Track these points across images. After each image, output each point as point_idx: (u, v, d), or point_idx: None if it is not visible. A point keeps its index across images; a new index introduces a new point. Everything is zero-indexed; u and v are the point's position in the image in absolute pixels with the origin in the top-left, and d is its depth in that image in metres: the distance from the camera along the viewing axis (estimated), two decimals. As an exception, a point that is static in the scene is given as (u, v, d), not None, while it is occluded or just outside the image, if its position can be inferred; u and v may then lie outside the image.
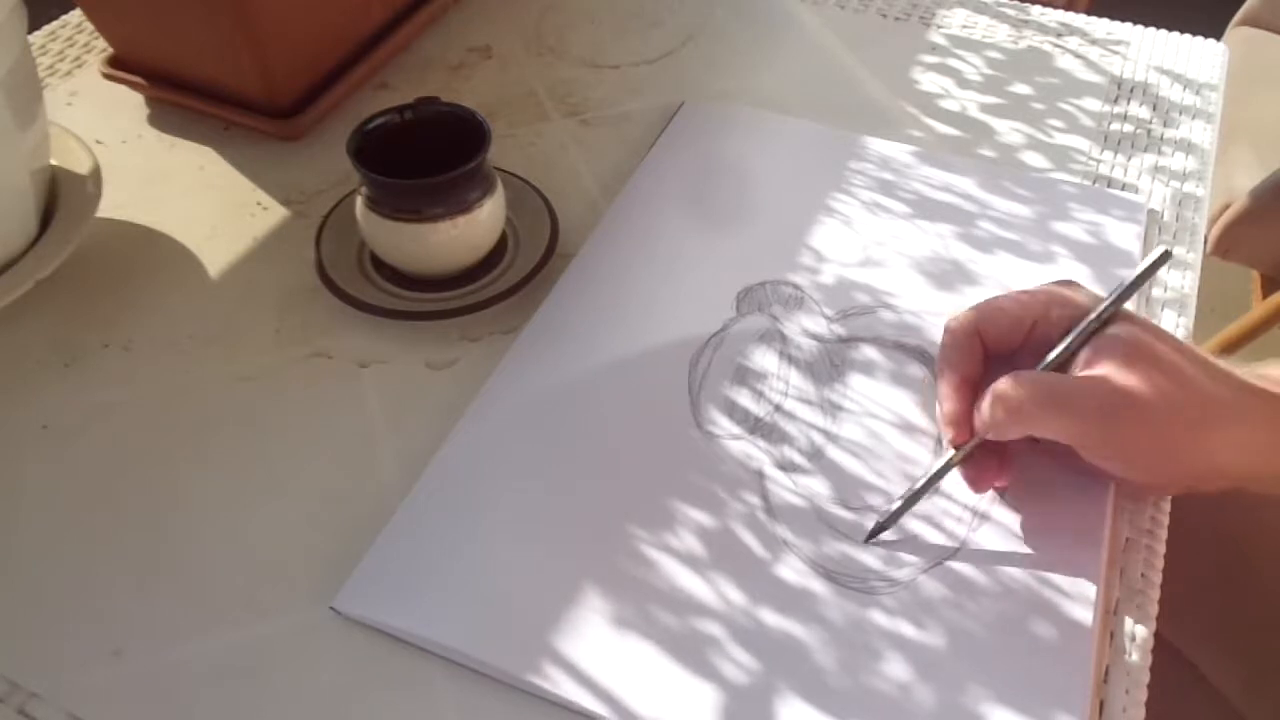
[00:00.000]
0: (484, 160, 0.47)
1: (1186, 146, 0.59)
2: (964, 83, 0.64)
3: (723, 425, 0.44)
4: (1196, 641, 0.60)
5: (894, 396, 0.45)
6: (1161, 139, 0.60)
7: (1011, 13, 0.70)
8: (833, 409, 0.44)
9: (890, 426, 0.44)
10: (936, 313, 0.48)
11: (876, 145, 0.58)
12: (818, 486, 0.41)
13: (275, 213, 0.55)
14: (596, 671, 0.36)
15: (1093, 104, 0.62)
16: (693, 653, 0.36)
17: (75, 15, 0.69)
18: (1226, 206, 1.11)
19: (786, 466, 0.42)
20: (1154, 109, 0.62)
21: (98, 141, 0.58)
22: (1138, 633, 0.38)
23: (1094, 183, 0.56)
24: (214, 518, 0.41)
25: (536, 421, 0.44)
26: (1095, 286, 0.42)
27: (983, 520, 0.40)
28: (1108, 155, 0.59)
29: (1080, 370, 0.38)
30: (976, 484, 0.40)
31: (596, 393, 0.45)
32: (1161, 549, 0.40)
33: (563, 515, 0.40)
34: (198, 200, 0.56)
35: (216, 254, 0.52)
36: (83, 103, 0.62)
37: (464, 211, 0.47)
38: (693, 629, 0.37)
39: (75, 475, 0.43)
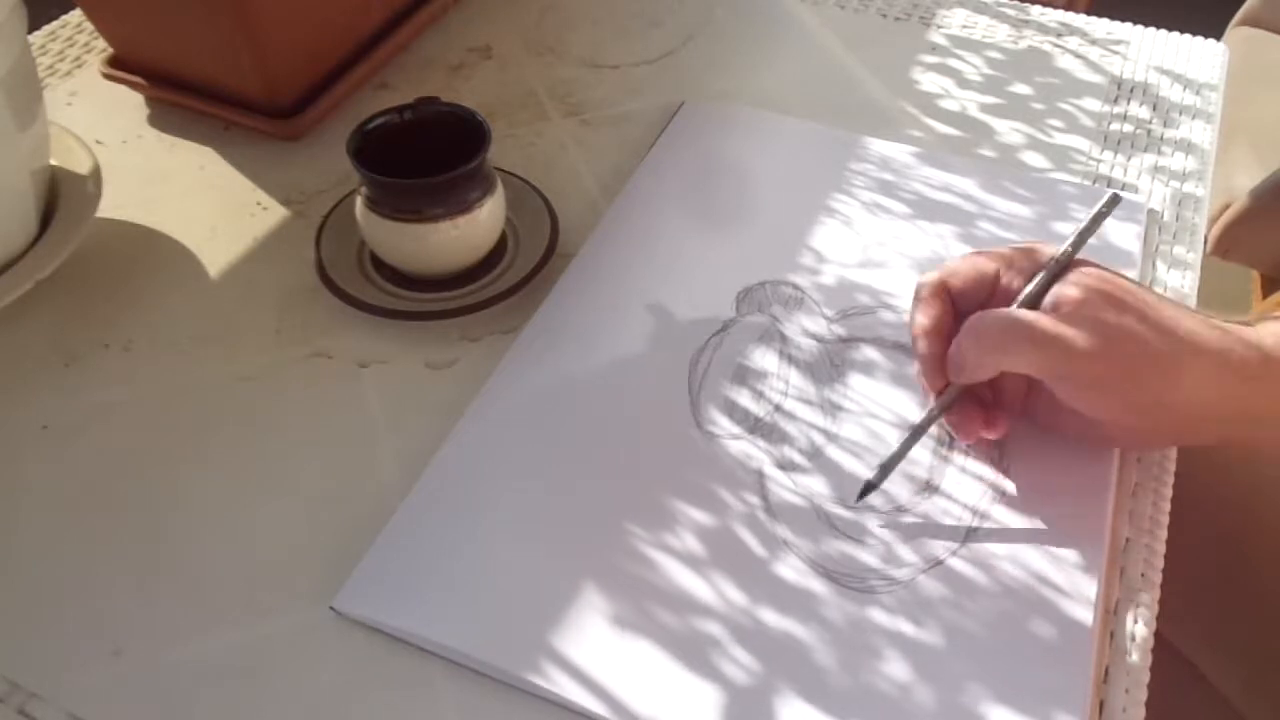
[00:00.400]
0: (484, 160, 0.47)
1: (1186, 146, 0.59)
2: (964, 83, 0.64)
3: (723, 425, 0.44)
4: (1196, 641, 0.60)
5: (894, 396, 0.45)
6: (1161, 139, 0.60)
7: (1011, 13, 0.70)
8: (833, 409, 0.45)
9: (890, 426, 0.44)
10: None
11: (876, 145, 0.58)
12: (817, 486, 0.41)
13: (275, 213, 0.55)
14: (596, 671, 0.36)
15: (1093, 104, 0.62)
16: (692, 652, 0.36)
17: (75, 15, 0.69)
18: (1226, 206, 1.12)
19: (786, 466, 0.42)
20: (1154, 109, 0.62)
21: (98, 141, 0.58)
22: (1138, 633, 0.38)
23: (1094, 183, 0.56)
24: (214, 518, 0.41)
25: (536, 421, 0.44)
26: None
27: (983, 520, 0.40)
28: (1108, 155, 0.59)
29: (1047, 311, 0.39)
30: (961, 430, 0.41)
31: (596, 393, 0.45)
32: (1161, 549, 0.40)
33: (562, 515, 0.40)
34: (198, 200, 0.56)
35: (216, 254, 0.52)
36: (83, 103, 0.62)
37: (464, 211, 0.47)
38: (692, 628, 0.37)
39: (75, 475, 0.43)
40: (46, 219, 0.50)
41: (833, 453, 0.43)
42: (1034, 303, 0.40)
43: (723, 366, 0.46)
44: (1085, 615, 0.37)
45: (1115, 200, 0.42)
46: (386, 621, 0.37)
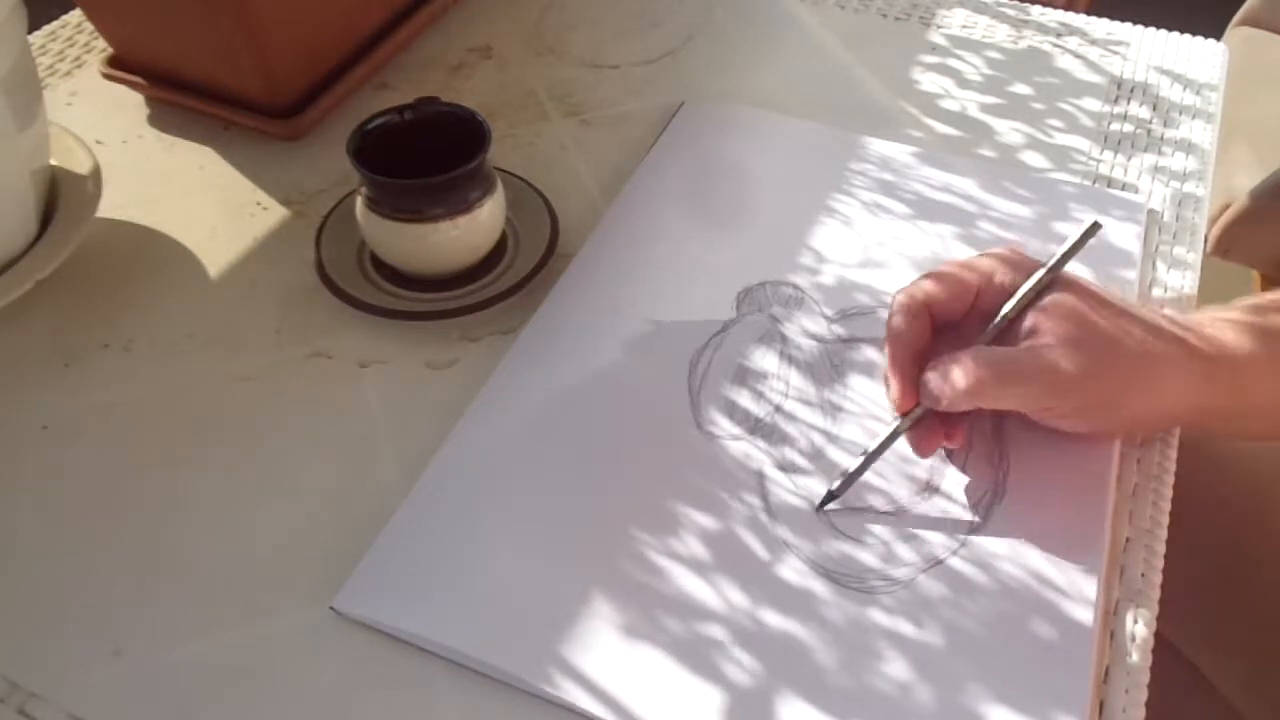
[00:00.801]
0: (484, 160, 0.47)
1: (1186, 146, 0.59)
2: (964, 83, 0.64)
3: (723, 426, 0.44)
4: (1196, 641, 0.60)
5: (894, 396, 0.45)
6: (1161, 139, 0.60)
7: (1011, 13, 0.70)
8: (833, 410, 0.44)
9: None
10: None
11: (876, 145, 0.58)
12: (818, 487, 0.41)
13: (275, 213, 0.55)
14: (596, 671, 0.36)
15: (1093, 104, 0.62)
16: (692, 652, 0.36)
17: (75, 15, 0.69)
18: (1226, 206, 1.12)
19: (787, 467, 0.42)
20: (1154, 109, 0.62)
21: (98, 141, 0.58)
22: (1138, 633, 0.38)
23: (1094, 183, 0.56)
24: (214, 518, 0.41)
25: (536, 421, 0.44)
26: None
27: (982, 520, 0.40)
28: (1108, 155, 0.59)
29: (1024, 336, 0.40)
30: (921, 447, 0.41)
31: (596, 393, 0.45)
32: (1161, 549, 0.40)
33: (562, 515, 0.40)
34: (198, 200, 0.56)
35: (216, 254, 0.52)
36: (83, 103, 0.62)
37: (464, 211, 0.47)
38: (692, 628, 0.37)
39: (75, 475, 0.43)
40: (46, 219, 0.50)
41: (833, 454, 0.43)
42: (1011, 324, 0.41)
43: (723, 367, 0.46)
44: (1085, 615, 0.37)
45: (1095, 228, 0.42)
46: (386, 622, 0.37)
